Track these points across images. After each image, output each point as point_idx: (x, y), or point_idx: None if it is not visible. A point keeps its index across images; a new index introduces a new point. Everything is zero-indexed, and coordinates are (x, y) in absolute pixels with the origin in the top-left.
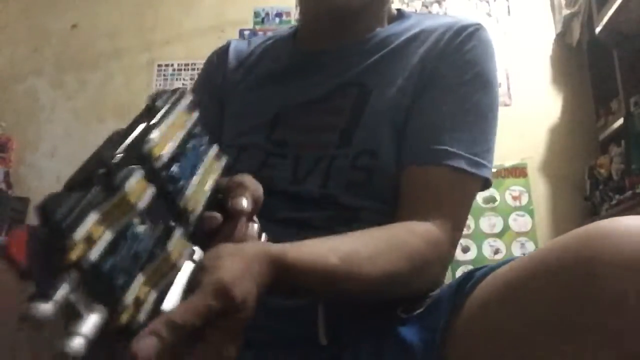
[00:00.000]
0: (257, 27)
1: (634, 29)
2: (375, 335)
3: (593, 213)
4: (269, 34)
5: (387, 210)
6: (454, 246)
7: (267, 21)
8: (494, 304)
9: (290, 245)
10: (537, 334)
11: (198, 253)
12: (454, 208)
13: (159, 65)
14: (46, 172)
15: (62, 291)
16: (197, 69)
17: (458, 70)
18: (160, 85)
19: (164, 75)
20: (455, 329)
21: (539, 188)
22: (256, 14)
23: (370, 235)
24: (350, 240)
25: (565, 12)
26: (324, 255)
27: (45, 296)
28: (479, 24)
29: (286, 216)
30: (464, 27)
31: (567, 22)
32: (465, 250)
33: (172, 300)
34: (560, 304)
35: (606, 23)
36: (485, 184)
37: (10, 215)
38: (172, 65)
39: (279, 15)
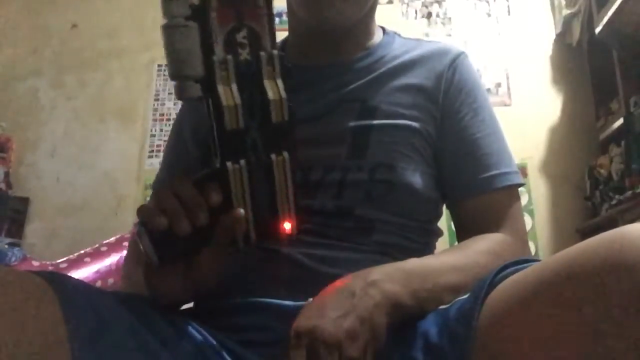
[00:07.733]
0: None
1: (634, 29)
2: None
3: (593, 213)
4: None
5: (404, 222)
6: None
7: None
8: (517, 307)
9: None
10: (564, 337)
11: None
12: (517, 222)
13: (159, 65)
14: (46, 172)
15: None
16: None
17: (468, 99)
18: (160, 85)
19: (164, 75)
20: (479, 336)
21: (539, 188)
22: None
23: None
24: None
25: (565, 12)
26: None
27: None
28: (463, 51)
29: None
30: (456, 55)
31: (567, 22)
32: None
33: None
34: (588, 307)
35: (606, 23)
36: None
37: (10, 215)
38: None
39: (278, 15)
